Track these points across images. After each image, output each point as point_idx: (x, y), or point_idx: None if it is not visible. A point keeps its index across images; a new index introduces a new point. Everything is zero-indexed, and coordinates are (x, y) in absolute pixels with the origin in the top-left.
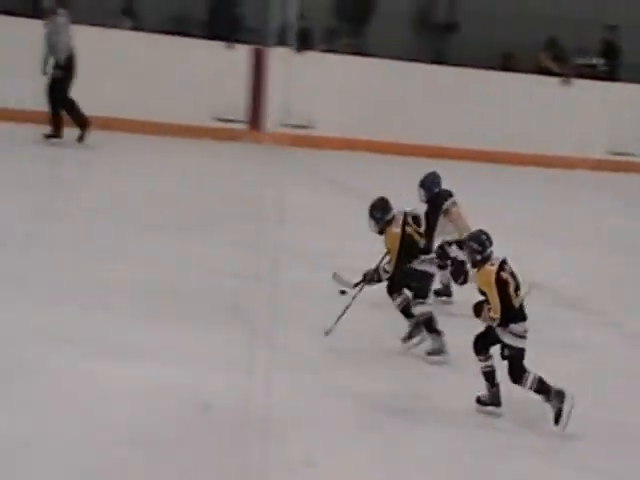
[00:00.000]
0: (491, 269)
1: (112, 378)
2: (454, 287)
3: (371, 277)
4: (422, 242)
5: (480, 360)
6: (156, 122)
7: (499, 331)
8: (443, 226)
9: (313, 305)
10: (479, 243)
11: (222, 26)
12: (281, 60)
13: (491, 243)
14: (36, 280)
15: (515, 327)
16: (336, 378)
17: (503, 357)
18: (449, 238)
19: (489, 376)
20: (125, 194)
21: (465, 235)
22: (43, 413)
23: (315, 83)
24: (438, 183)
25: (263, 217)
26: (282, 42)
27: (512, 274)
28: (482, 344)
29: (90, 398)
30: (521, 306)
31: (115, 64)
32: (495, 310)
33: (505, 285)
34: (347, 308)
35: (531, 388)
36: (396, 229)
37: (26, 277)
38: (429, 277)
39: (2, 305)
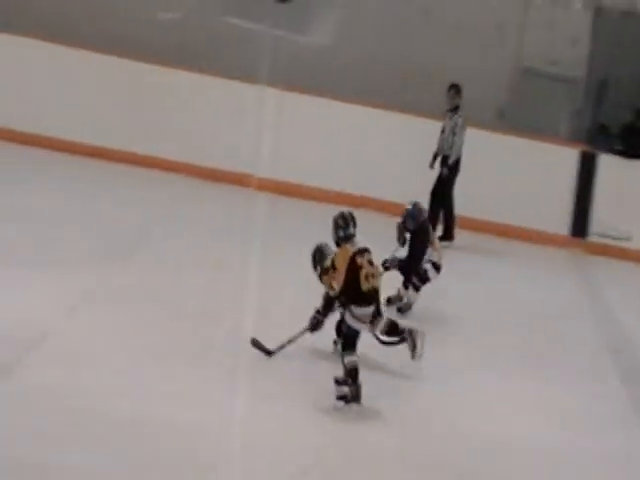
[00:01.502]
0: (349, 249)
1: None
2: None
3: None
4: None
5: (345, 355)
6: None
7: (344, 311)
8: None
9: None
10: (344, 220)
11: None
12: None
13: (355, 225)
14: None
15: (357, 310)
16: None
17: (338, 332)
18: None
19: (352, 372)
20: None
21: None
22: None
23: None
24: (424, 213)
25: None
26: None
27: (370, 262)
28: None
29: None
30: (370, 292)
31: None
32: (338, 283)
33: (358, 269)
34: (291, 341)
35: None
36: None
37: None
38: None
39: None
